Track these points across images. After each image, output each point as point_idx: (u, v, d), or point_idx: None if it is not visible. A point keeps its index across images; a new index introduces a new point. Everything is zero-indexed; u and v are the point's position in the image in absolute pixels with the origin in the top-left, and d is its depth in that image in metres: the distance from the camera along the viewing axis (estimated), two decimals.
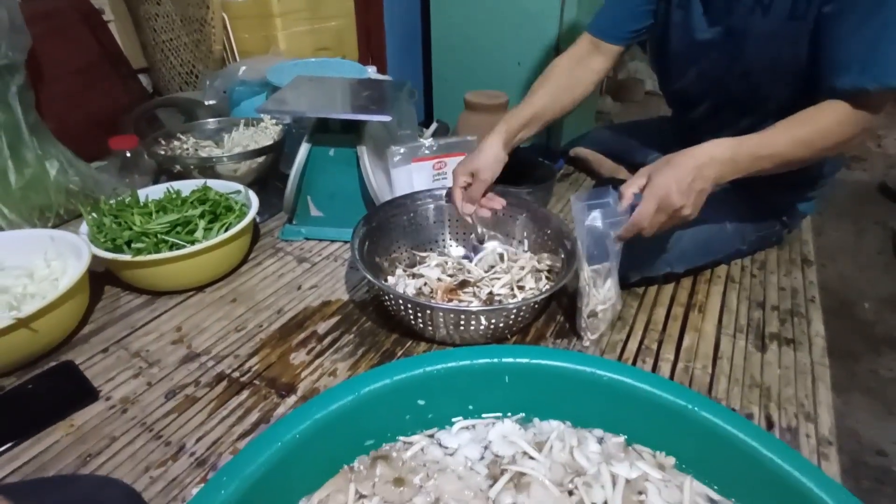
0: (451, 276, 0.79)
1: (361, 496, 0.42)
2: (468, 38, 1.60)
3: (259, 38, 1.37)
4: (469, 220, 0.82)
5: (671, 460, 0.44)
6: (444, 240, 0.88)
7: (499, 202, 0.82)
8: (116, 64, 1.21)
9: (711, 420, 0.41)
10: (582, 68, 0.90)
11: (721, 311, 0.81)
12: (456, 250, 0.88)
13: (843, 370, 1.39)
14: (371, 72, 1.19)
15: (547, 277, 0.78)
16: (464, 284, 0.76)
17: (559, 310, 0.79)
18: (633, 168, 1.07)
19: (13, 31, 0.93)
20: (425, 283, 0.76)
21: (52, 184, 0.98)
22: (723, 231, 0.84)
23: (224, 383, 0.66)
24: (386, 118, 0.82)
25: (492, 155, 0.79)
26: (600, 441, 0.45)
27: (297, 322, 0.77)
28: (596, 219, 0.63)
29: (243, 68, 1.16)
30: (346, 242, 0.95)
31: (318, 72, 1.14)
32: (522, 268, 0.78)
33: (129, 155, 1.08)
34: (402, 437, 0.46)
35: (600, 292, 0.66)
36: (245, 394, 0.65)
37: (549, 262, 0.79)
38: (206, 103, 1.21)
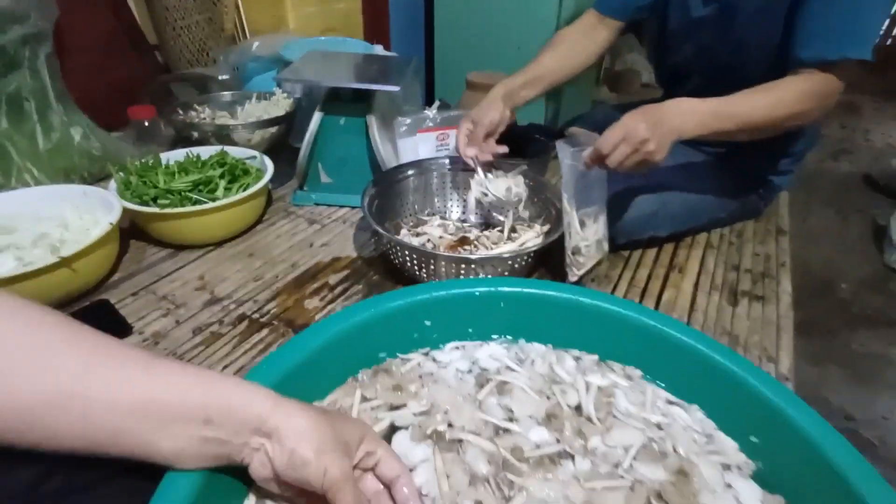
0: (451, 234, 0.86)
1: (365, 399, 0.49)
2: (470, 20, 1.66)
3: (269, 17, 1.43)
4: (471, 162, 0.87)
5: (638, 372, 0.51)
6: (446, 205, 0.95)
7: (501, 148, 0.88)
8: (134, 38, 1.26)
9: (673, 334, 0.48)
10: (587, 39, 0.96)
11: (699, 272, 0.88)
12: (456, 214, 0.95)
13: (819, 345, 1.47)
14: (378, 49, 1.25)
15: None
16: (464, 241, 0.83)
17: (557, 267, 0.85)
18: None
19: (42, 1, 0.98)
20: (428, 240, 0.83)
21: (76, 149, 1.04)
22: (704, 199, 0.91)
23: (245, 323, 0.73)
24: (394, 88, 0.89)
25: (492, 104, 0.86)
26: (577, 359, 0.53)
27: (310, 274, 0.84)
28: (574, 155, 0.69)
29: (256, 44, 1.22)
30: (354, 208, 1.02)
31: (328, 49, 1.20)
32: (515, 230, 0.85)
33: (146, 124, 1.14)
34: (400, 355, 0.53)
35: (581, 231, 0.72)
36: (265, 332, 0.72)
37: (545, 227, 0.86)
38: (220, 78, 1.27)
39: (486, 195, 0.86)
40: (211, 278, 0.82)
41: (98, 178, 1.07)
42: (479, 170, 0.87)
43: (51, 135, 1.01)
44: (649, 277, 0.86)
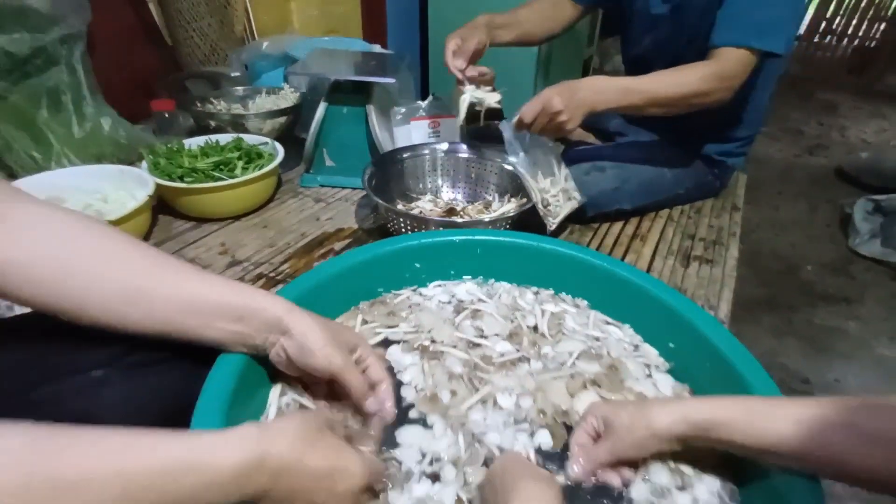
0: (440, 208, 0.98)
1: (365, 322, 0.61)
2: (462, 22, 1.78)
3: (276, 19, 1.56)
4: (459, 74, 0.98)
5: (584, 302, 0.63)
6: (437, 184, 1.07)
7: (481, 70, 1.00)
8: (153, 38, 1.38)
9: (613, 270, 0.61)
10: (554, 11, 1.10)
11: (659, 240, 1.01)
12: (446, 194, 1.07)
13: (782, 319, 1.60)
14: (376, 48, 1.37)
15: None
16: (451, 212, 0.95)
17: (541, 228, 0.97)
18: (597, 132, 1.27)
19: (79, 5, 1.11)
20: (420, 212, 0.96)
21: (105, 137, 1.16)
22: (663, 176, 1.04)
23: (264, 280, 0.85)
24: (390, 80, 1.01)
25: (477, 28, 0.99)
26: (536, 293, 0.65)
27: (317, 241, 0.96)
28: (510, 128, 0.84)
29: (266, 44, 1.34)
30: (355, 188, 1.14)
31: (331, 47, 1.32)
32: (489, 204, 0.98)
33: (167, 116, 1.26)
34: (393, 290, 0.65)
35: (537, 185, 0.85)
36: (281, 286, 0.84)
37: (521, 201, 0.98)
38: (232, 74, 1.39)
39: (476, 105, 0.96)
40: (231, 245, 0.94)
41: (125, 163, 1.19)
42: (467, 82, 0.98)
43: (84, 124, 1.13)
44: (614, 244, 0.99)
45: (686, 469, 0.45)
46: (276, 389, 0.51)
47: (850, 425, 0.38)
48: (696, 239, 1.02)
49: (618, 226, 1.04)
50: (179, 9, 1.61)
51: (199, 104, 1.24)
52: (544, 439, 0.48)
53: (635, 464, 0.45)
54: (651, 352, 0.57)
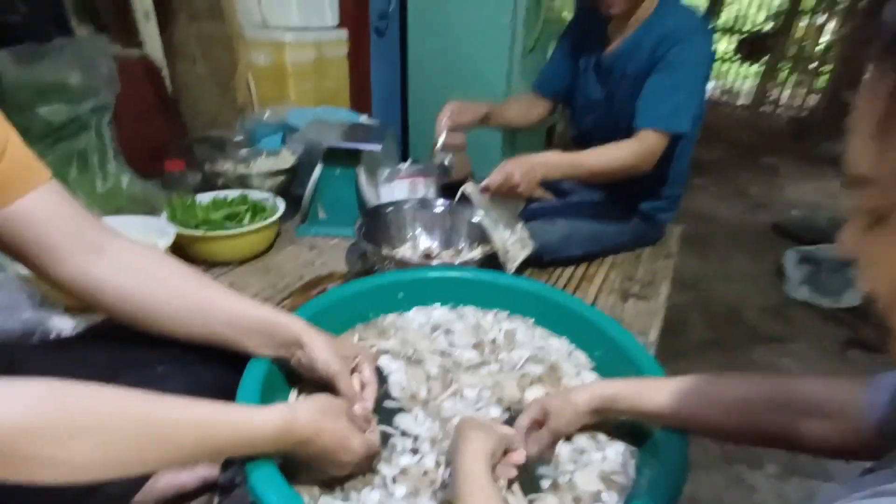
0: (419, 252, 1.15)
1: (361, 339, 0.77)
2: (438, 95, 2.03)
3: (275, 91, 1.77)
4: (441, 127, 1.20)
5: (531, 320, 0.80)
6: (416, 235, 1.25)
7: (459, 142, 1.22)
8: (167, 105, 1.58)
9: (552, 296, 0.78)
10: (531, 107, 1.37)
11: (603, 281, 1.19)
12: (424, 242, 1.25)
13: (728, 358, 1.78)
14: (364, 119, 1.59)
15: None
16: (428, 257, 1.13)
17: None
18: (552, 189, 1.48)
19: (110, 80, 1.30)
20: (402, 256, 1.13)
21: (124, 193, 1.32)
22: (606, 228, 1.24)
23: None
24: (377, 147, 1.21)
25: (477, 105, 1.24)
26: (495, 314, 0.82)
27: (312, 283, 1.12)
28: (476, 191, 1.03)
29: (267, 113, 1.54)
30: (345, 237, 1.31)
31: (324, 117, 1.53)
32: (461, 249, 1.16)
33: (177, 175, 1.43)
34: (382, 314, 0.81)
35: (498, 234, 1.03)
36: None
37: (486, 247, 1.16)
38: (235, 139, 1.58)
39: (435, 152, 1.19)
40: (238, 286, 1.09)
41: (140, 215, 1.34)
42: (440, 140, 1.19)
43: (107, 181, 1.30)
44: (565, 285, 1.17)
45: (601, 436, 0.61)
46: (293, 393, 0.65)
47: (699, 393, 0.55)
48: (634, 280, 1.21)
49: (569, 269, 1.23)
50: (188, 82, 1.84)
51: (208, 164, 1.42)
52: (496, 413, 0.63)
53: (568, 437, 0.61)
54: (581, 356, 0.74)
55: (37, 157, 0.54)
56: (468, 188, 1.04)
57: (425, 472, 0.56)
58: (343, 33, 1.89)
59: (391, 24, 2.15)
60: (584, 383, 0.69)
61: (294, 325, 0.61)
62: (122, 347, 0.60)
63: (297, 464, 0.52)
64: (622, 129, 1.13)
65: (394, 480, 0.55)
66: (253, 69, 1.75)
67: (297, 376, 0.65)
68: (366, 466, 0.57)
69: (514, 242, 1.05)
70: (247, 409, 0.49)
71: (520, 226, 1.08)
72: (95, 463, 0.39)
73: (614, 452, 0.60)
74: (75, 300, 0.57)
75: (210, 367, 0.62)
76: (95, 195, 1.26)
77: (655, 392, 0.56)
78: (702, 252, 2.50)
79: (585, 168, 1.03)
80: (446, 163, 1.08)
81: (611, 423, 0.62)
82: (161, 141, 1.57)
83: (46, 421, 0.37)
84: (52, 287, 0.56)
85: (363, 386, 0.64)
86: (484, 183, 1.02)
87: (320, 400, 0.53)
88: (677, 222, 1.42)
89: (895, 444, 0.40)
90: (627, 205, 1.26)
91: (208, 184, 1.40)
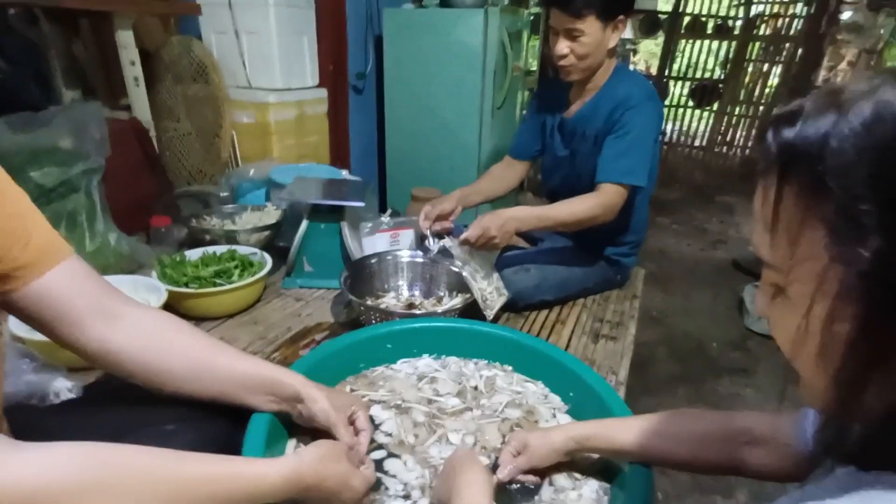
0: (402, 302, 1.22)
1: (353, 390, 0.82)
2: (414, 149, 2.16)
3: (258, 147, 1.85)
4: (425, 230, 1.25)
5: (510, 367, 0.87)
6: (398, 284, 1.32)
7: (447, 226, 1.28)
8: (153, 163, 1.63)
9: (528, 343, 0.86)
10: (507, 173, 1.46)
11: (575, 323, 1.28)
12: (406, 291, 1.32)
13: (694, 390, 1.87)
14: (345, 174, 1.67)
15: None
16: (411, 306, 1.19)
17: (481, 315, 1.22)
18: (527, 239, 1.58)
19: (101, 143, 1.35)
20: (386, 306, 1.19)
21: (112, 250, 1.36)
22: (575, 273, 1.33)
23: None
24: (360, 204, 1.29)
25: (450, 198, 1.30)
26: (475, 363, 0.89)
27: (300, 334, 1.17)
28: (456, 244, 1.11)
29: (252, 170, 1.61)
30: (329, 289, 1.37)
31: (307, 174, 1.61)
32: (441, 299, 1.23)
33: (163, 230, 1.48)
34: (371, 367, 0.87)
35: (477, 285, 1.10)
36: None
37: (465, 296, 1.24)
38: (221, 194, 1.64)
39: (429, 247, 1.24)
40: (228, 339, 1.13)
41: (126, 272, 1.38)
42: (430, 236, 1.25)
43: (95, 240, 1.33)
44: (541, 328, 1.24)
45: (576, 475, 0.68)
46: (291, 443, 0.70)
47: (659, 430, 0.62)
48: (604, 321, 1.30)
49: (543, 313, 1.31)
50: (172, 139, 1.90)
51: (194, 220, 1.47)
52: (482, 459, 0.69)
53: (542, 472, 0.67)
54: (556, 399, 0.81)
55: None
56: (448, 242, 1.12)
57: None
58: (323, 92, 2.00)
59: (368, 83, 2.28)
60: (559, 424, 0.76)
61: (295, 383, 0.66)
62: (128, 407, 0.64)
63: None
64: (585, 184, 1.24)
65: None
66: (237, 127, 1.83)
67: (294, 426, 0.70)
68: (365, 503, 0.62)
69: (491, 291, 1.13)
70: (260, 463, 0.54)
71: (496, 275, 1.16)
72: None
73: (588, 490, 0.66)
74: (91, 364, 0.62)
75: (215, 422, 0.66)
76: (84, 254, 1.30)
77: (622, 431, 0.64)
78: (666, 288, 2.63)
79: (554, 220, 1.13)
80: (445, 247, 1.16)
81: (585, 460, 0.68)
82: (147, 197, 1.61)
83: (91, 481, 0.42)
84: (73, 353, 0.61)
85: (357, 433, 0.70)
86: (463, 237, 1.11)
87: (322, 447, 0.59)
88: (642, 260, 1.53)
89: (818, 465, 0.48)
90: (594, 251, 1.37)
91: (195, 239, 1.44)
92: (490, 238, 1.08)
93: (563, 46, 1.15)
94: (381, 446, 0.72)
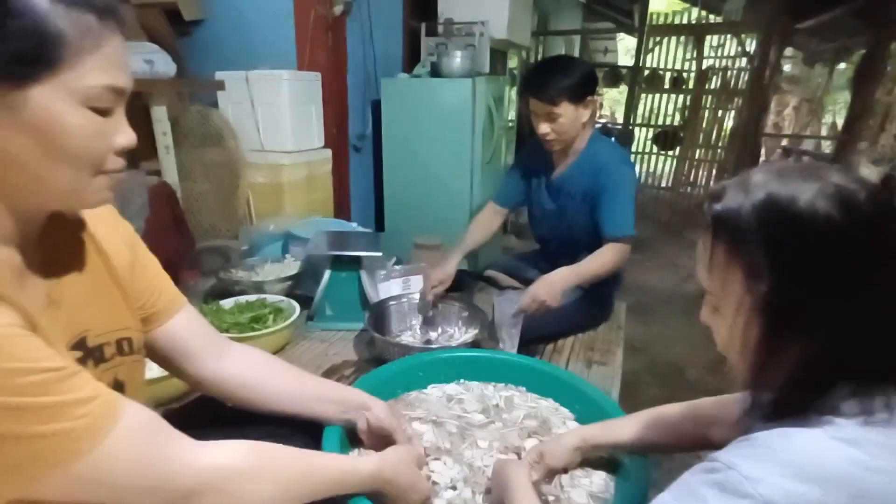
0: (417, 339, 1.39)
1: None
2: (410, 202, 2.37)
3: (271, 204, 2.03)
4: (430, 298, 1.44)
5: (524, 388, 1.04)
6: (412, 324, 1.49)
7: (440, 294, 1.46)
8: (179, 222, 1.79)
9: (538, 367, 1.03)
10: (491, 220, 1.65)
11: (570, 353, 1.45)
12: (419, 330, 1.48)
13: None
14: (355, 226, 1.86)
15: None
16: (428, 341, 1.36)
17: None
18: (521, 280, 1.77)
19: (142, 207, 1.51)
20: (405, 343, 1.35)
21: None
22: (569, 310, 1.52)
23: None
24: (378, 254, 1.47)
25: (445, 266, 1.46)
26: (495, 385, 1.05)
27: (330, 370, 1.32)
28: (506, 306, 1.28)
29: (272, 226, 1.78)
30: (349, 331, 1.52)
31: (322, 227, 1.78)
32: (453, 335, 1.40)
33: (192, 283, 1.63)
34: (406, 391, 1.03)
35: (505, 332, 1.28)
36: None
37: (474, 331, 1.41)
38: (242, 248, 1.80)
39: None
40: None
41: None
42: (431, 303, 1.45)
43: None
44: (540, 358, 1.42)
45: (588, 468, 0.84)
46: (354, 451, 0.85)
47: (646, 423, 0.80)
48: (595, 349, 1.48)
49: (542, 347, 1.49)
50: (191, 198, 2.07)
51: (222, 273, 1.62)
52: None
53: (562, 472, 0.83)
54: (565, 411, 0.98)
55: None
56: (499, 305, 1.31)
57: (465, 501, 0.77)
58: (328, 152, 2.21)
59: (366, 144, 2.50)
60: (569, 430, 0.93)
61: (361, 395, 0.83)
62: (231, 423, 0.79)
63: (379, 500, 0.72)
64: (574, 232, 1.46)
65: None
66: (251, 186, 2.02)
67: (355, 439, 0.85)
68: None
69: (512, 335, 1.31)
70: (355, 459, 0.70)
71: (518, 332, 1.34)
72: (277, 499, 0.59)
73: (598, 478, 0.83)
74: (201, 391, 0.78)
75: (298, 434, 0.81)
76: None
77: (617, 428, 0.81)
78: (645, 320, 2.84)
79: (588, 275, 1.33)
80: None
81: (594, 457, 0.85)
82: (175, 253, 1.77)
83: (252, 465, 0.57)
84: (187, 382, 0.76)
85: (410, 438, 0.86)
86: (518, 307, 1.28)
87: (399, 450, 0.74)
88: (622, 295, 1.74)
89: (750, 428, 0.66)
90: (587, 291, 1.56)
91: (223, 289, 1.59)
92: (542, 303, 1.26)
93: (544, 127, 1.38)
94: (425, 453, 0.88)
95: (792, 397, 0.51)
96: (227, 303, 1.44)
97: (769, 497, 0.44)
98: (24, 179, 0.49)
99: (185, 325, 0.74)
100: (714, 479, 0.49)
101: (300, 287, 1.66)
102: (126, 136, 0.54)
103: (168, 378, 0.94)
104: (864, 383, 0.49)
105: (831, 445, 0.46)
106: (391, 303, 1.45)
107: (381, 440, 0.83)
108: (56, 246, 0.60)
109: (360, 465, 0.68)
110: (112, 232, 0.68)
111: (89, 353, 0.60)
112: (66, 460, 0.45)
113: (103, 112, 0.51)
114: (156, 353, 0.73)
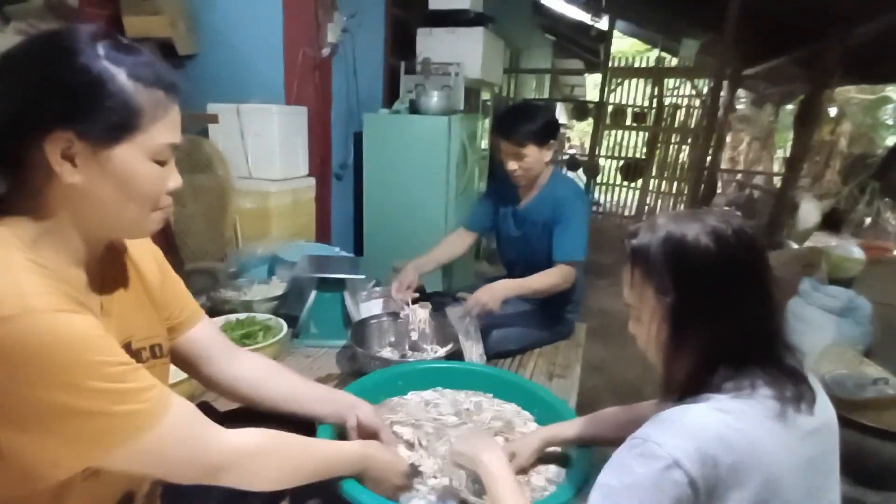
0: (397, 353, 1.53)
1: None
2: (388, 228, 2.52)
3: (257, 228, 2.15)
4: (400, 300, 1.58)
5: (490, 394, 1.19)
6: (392, 340, 1.62)
7: (411, 296, 1.61)
8: (170, 244, 1.90)
9: (503, 377, 1.19)
10: (460, 241, 1.82)
11: (534, 367, 1.61)
12: (399, 345, 1.62)
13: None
14: (337, 250, 2.00)
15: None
16: (404, 356, 1.50)
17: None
18: None
19: None
20: (385, 356, 1.49)
21: None
22: (532, 328, 1.68)
23: None
24: (361, 276, 1.61)
25: (407, 271, 1.62)
26: (466, 393, 1.20)
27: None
28: (456, 311, 1.44)
29: (260, 249, 1.91)
30: (332, 347, 1.65)
31: (306, 251, 1.92)
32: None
33: None
34: (388, 397, 1.17)
35: (466, 343, 1.43)
36: None
37: (448, 346, 1.55)
38: (230, 270, 1.91)
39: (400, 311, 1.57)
40: None
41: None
42: (408, 304, 1.59)
43: None
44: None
45: (542, 466, 0.99)
46: None
47: (594, 422, 0.96)
48: (556, 364, 1.64)
49: (508, 360, 1.64)
50: (179, 221, 2.17)
51: (212, 293, 1.73)
52: None
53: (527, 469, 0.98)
54: (527, 414, 1.13)
55: None
56: (450, 312, 1.45)
57: (445, 486, 0.91)
58: (311, 180, 2.35)
59: (348, 173, 2.65)
60: (530, 430, 1.08)
61: (351, 397, 0.97)
62: (246, 417, 0.91)
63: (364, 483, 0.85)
64: (538, 258, 1.64)
65: (429, 492, 0.90)
66: (239, 211, 2.14)
67: (343, 438, 0.98)
68: (407, 486, 0.91)
69: (480, 356, 1.46)
70: (344, 444, 0.83)
71: (481, 344, 1.49)
72: (284, 478, 0.72)
73: (553, 466, 0.98)
74: (216, 391, 0.90)
75: (296, 431, 0.94)
76: None
77: (571, 427, 0.97)
78: (605, 342, 3.03)
79: (531, 289, 1.50)
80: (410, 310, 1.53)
81: (546, 454, 1.00)
82: None
83: (267, 446, 0.70)
84: (204, 384, 0.89)
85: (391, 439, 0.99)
86: (463, 309, 1.44)
87: (378, 442, 0.88)
88: (585, 318, 1.91)
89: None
90: (548, 311, 1.74)
91: (212, 309, 1.70)
92: (483, 305, 1.43)
93: (513, 165, 1.57)
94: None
95: (690, 381, 0.68)
96: (219, 321, 1.55)
97: (674, 455, 0.60)
98: (101, 214, 0.63)
99: (204, 334, 0.87)
100: (636, 451, 0.65)
101: (286, 307, 1.78)
102: (175, 180, 0.68)
103: (178, 383, 1.05)
104: (737, 366, 0.66)
105: (712, 414, 0.63)
106: (372, 321, 1.59)
107: (368, 437, 0.96)
108: (107, 267, 0.73)
109: (349, 445, 0.83)
110: (146, 254, 0.82)
111: (133, 356, 0.72)
112: (134, 435, 0.58)
113: (162, 163, 0.65)
114: (178, 358, 0.86)
